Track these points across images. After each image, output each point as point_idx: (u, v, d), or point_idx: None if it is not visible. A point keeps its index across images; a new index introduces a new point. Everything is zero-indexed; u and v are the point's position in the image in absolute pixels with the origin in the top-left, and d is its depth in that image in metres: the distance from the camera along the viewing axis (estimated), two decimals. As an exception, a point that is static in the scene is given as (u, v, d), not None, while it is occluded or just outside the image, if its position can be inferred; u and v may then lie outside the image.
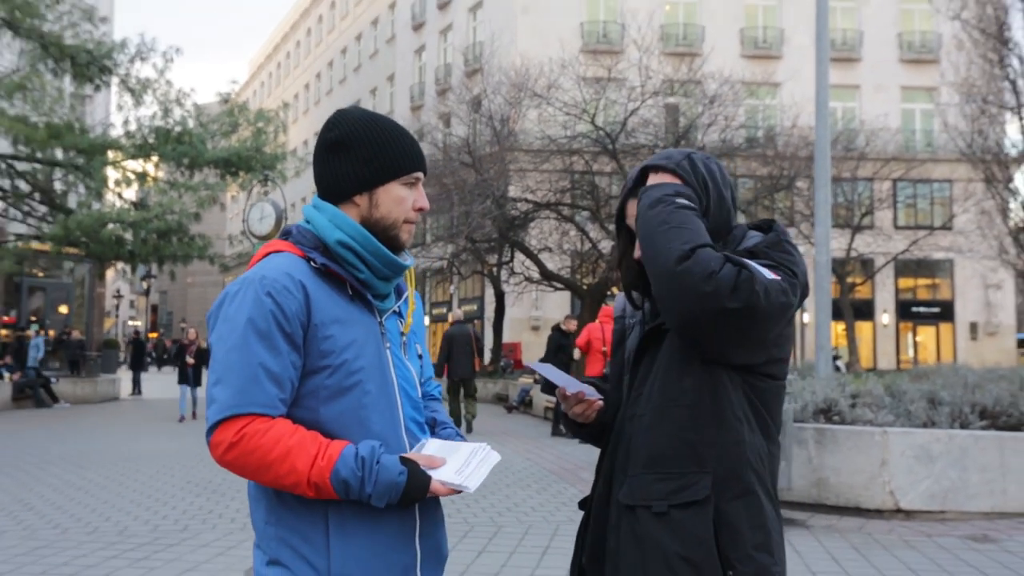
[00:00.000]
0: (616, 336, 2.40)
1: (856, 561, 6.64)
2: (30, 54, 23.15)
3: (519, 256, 28.21)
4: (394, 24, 51.89)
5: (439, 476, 1.91)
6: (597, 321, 15.50)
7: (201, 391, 13.98)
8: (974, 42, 22.63)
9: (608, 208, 25.28)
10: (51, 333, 33.72)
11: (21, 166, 25.65)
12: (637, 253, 2.17)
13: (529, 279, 28.05)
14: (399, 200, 2.05)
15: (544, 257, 26.85)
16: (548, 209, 26.15)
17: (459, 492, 1.94)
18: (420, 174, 2.11)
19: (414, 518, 1.99)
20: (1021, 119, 21.72)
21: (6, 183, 26.10)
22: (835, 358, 34.14)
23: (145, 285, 52.12)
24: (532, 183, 26.79)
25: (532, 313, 34.89)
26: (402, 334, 2.14)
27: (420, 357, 2.24)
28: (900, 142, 37.04)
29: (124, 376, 31.84)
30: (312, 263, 1.97)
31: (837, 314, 33.79)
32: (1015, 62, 21.76)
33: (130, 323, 66.31)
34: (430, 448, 2.02)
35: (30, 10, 21.82)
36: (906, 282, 40.80)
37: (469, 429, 16.68)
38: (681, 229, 1.94)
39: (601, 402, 2.22)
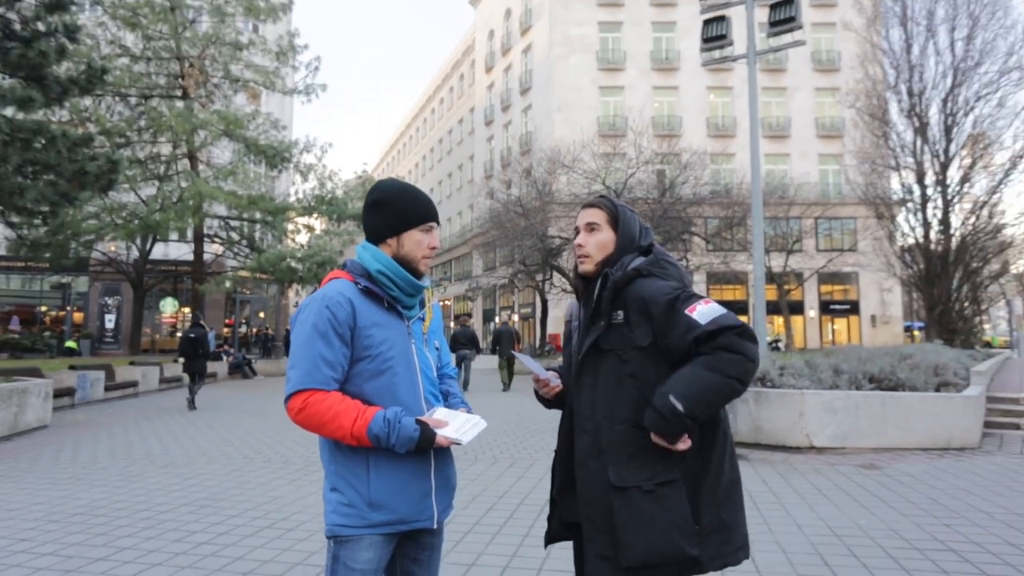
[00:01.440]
0: (565, 337, 2.29)
1: (780, 483, 6.41)
2: (238, 151, 24.05)
3: (557, 275, 28.11)
4: (473, 122, 52.29)
5: (443, 432, 1.92)
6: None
7: None
8: (866, 123, 22.17)
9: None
10: (254, 330, 34.68)
11: (233, 223, 26.53)
12: (585, 268, 2.13)
13: (564, 290, 27.90)
14: (418, 242, 2.06)
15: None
16: (575, 243, 26.07)
17: (456, 444, 1.95)
18: (432, 223, 2.09)
19: (429, 460, 2.00)
20: (899, 175, 21.21)
21: (223, 234, 27.00)
22: (777, 342, 33.51)
23: (313, 299, 53.08)
24: (564, 225, 26.68)
25: (567, 313, 34.76)
26: (423, 333, 2.12)
27: (438, 349, 2.22)
28: (819, 192, 36.23)
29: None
30: (358, 285, 1.99)
31: (778, 310, 33.15)
32: (893, 136, 21.27)
33: None
34: (439, 413, 2.02)
35: (239, 124, 22.75)
36: (826, 288, 39.63)
37: (507, 389, 17.49)
38: (707, 391, 1.83)
39: (560, 386, 2.16)
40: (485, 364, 25.94)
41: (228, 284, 24.40)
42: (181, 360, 14.95)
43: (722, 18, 9.79)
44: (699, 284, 35.83)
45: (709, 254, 30.45)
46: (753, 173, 10.18)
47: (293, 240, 26.49)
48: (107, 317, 31.61)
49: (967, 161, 20.87)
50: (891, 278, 25.38)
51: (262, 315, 38.59)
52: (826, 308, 40.16)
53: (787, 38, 11.53)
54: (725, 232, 30.83)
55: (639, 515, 1.85)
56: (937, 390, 8.76)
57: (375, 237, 2.07)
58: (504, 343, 18.11)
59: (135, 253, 27.77)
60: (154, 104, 23.23)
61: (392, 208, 2.05)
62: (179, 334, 31.83)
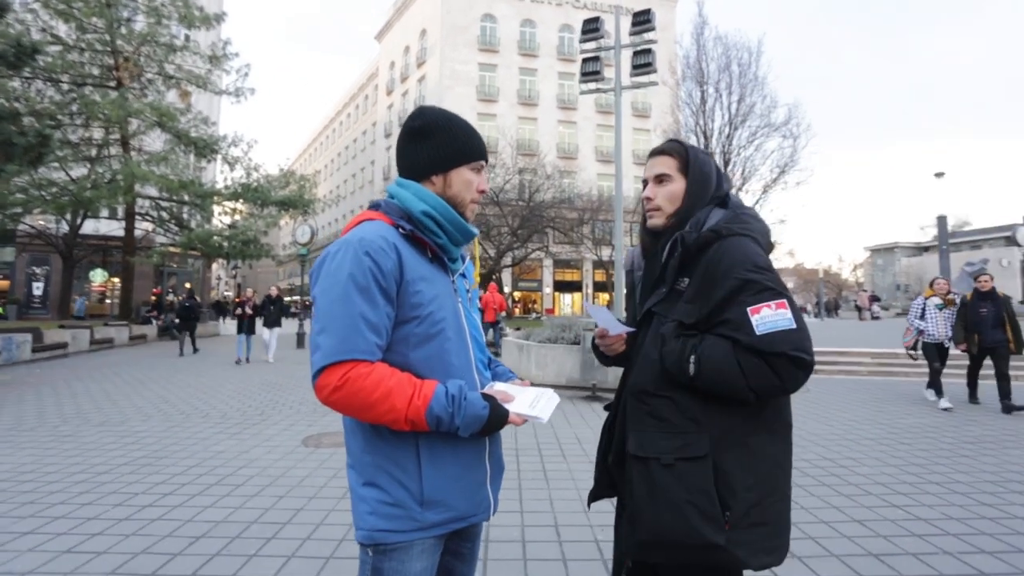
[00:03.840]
0: (628, 288, 1.63)
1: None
2: (170, 141, 20.74)
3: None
4: (375, 134, 49.42)
5: (515, 409, 1.19)
6: (487, 292, 14.85)
7: (255, 339, 12.08)
8: (676, 155, 23.11)
9: (494, 232, 24.77)
10: (179, 298, 30.66)
11: (163, 204, 23.02)
12: (655, 223, 1.46)
13: (451, 270, 26.97)
14: (468, 183, 1.29)
15: (459, 258, 25.96)
16: (461, 233, 25.30)
17: (536, 421, 1.22)
18: (483, 162, 1.33)
19: (484, 441, 1.26)
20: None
21: (154, 213, 23.39)
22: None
23: (234, 272, 47.96)
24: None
25: (450, 288, 33.76)
26: (467, 291, 1.35)
27: (481, 310, 1.47)
28: (634, 203, 37.63)
29: (223, 322, 28.92)
30: (400, 230, 1.20)
31: (605, 288, 34.21)
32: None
33: (225, 293, 59.94)
34: (499, 386, 1.28)
35: (171, 117, 19.50)
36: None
37: None
38: (738, 374, 1.25)
39: (627, 336, 1.48)
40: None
41: (156, 258, 21.05)
42: (178, 321, 14.81)
43: (596, 59, 9.47)
44: (547, 268, 36.34)
45: (560, 244, 30.76)
46: (616, 187, 10.01)
47: (220, 221, 23.43)
48: (35, 285, 26.54)
49: (738, 186, 22.52)
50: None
51: (188, 285, 34.25)
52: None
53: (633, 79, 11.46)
54: (574, 229, 31.29)
55: (653, 488, 1.28)
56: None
57: (416, 173, 1.29)
58: None
59: (65, 227, 23.37)
60: (87, 92, 19.35)
61: (440, 139, 1.28)
62: (104, 299, 27.47)
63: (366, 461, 1.19)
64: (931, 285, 7.27)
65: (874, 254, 68.11)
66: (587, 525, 3.29)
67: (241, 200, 22.22)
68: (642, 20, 9.25)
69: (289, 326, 22.40)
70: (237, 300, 12.70)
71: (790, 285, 60.81)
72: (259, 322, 12.50)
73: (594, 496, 1.59)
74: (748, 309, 1.25)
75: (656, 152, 1.48)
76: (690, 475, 1.26)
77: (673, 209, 1.43)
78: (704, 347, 1.27)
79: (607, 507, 3.59)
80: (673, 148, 1.46)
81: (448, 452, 1.19)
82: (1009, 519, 3.42)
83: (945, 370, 7.19)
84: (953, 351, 7.23)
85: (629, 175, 40.89)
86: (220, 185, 22.58)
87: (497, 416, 1.17)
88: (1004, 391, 6.64)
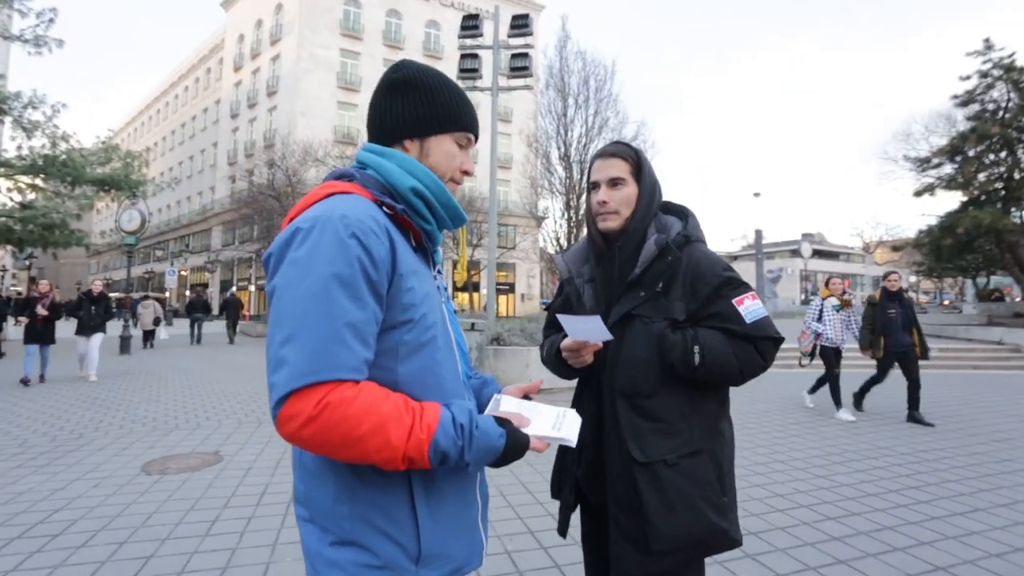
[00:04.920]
0: (572, 296, 1.51)
1: (528, 420, 6.20)
2: (-73, 92, 16.13)
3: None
4: (219, 113, 44.12)
5: (536, 432, 0.94)
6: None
7: (54, 348, 8.93)
8: (534, 156, 24.14)
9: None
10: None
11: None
12: (610, 226, 1.45)
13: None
14: (450, 155, 0.99)
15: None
16: (320, 226, 23.59)
17: (564, 444, 0.98)
18: (472, 136, 1.04)
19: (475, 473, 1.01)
20: (554, 197, 23.64)
21: (-95, 186, 18.12)
22: (462, 312, 34.83)
23: (28, 262, 39.29)
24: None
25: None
26: (445, 288, 1.06)
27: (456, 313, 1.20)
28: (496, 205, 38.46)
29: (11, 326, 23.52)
30: (385, 209, 0.89)
31: (465, 288, 34.38)
32: (550, 170, 23.62)
33: (11, 288, 48.72)
34: (508, 404, 1.00)
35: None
36: (499, 275, 42.36)
37: (231, 343, 16.72)
38: (729, 363, 1.33)
39: (591, 359, 1.40)
40: (215, 327, 22.27)
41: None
42: None
43: (475, 55, 9.34)
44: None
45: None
46: (491, 189, 9.99)
47: (10, 199, 18.90)
48: None
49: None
50: (537, 267, 28.14)
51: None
52: (498, 287, 43.09)
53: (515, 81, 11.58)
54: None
55: (666, 492, 1.28)
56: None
57: (386, 135, 0.98)
58: (231, 309, 18.28)
59: None
60: None
61: (422, 96, 0.98)
62: None
63: (340, 512, 0.88)
64: (827, 285, 6.42)
65: (697, 260, 77.62)
66: (495, 536, 3.11)
67: (43, 175, 18.21)
68: (520, 24, 9.35)
69: (111, 329, 18.90)
70: (38, 295, 8.60)
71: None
72: (66, 326, 9.56)
73: (566, 519, 1.51)
74: (734, 301, 1.35)
75: (607, 154, 1.46)
76: (695, 470, 1.29)
77: (629, 212, 1.44)
78: (703, 336, 1.34)
79: (510, 515, 3.44)
80: (626, 152, 1.47)
81: (449, 489, 0.93)
82: (839, 487, 3.97)
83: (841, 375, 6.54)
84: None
85: (486, 177, 41.75)
86: (11, 155, 18.30)
87: (516, 445, 0.92)
88: (914, 400, 5.96)
